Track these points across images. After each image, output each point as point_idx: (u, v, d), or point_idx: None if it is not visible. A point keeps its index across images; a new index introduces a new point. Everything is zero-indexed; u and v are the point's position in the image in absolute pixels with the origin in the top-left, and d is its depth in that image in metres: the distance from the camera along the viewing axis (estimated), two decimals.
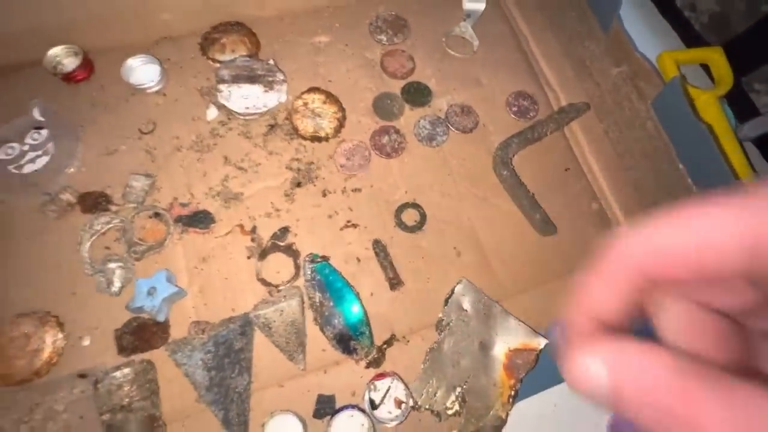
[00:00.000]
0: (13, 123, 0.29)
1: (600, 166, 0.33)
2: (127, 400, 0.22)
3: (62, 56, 0.30)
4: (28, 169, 0.28)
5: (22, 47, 0.30)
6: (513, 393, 0.26)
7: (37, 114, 0.29)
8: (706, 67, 0.36)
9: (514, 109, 0.33)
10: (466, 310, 0.28)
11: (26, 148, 0.28)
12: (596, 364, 0.08)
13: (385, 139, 0.31)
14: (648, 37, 0.37)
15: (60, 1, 0.29)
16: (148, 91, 0.31)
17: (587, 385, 0.08)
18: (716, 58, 0.36)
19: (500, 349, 0.27)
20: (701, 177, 0.28)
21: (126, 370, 0.23)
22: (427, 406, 0.26)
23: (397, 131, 0.31)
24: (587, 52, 0.35)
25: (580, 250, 0.31)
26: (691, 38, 0.37)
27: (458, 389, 0.26)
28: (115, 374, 0.23)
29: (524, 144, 0.32)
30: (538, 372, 0.27)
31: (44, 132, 0.28)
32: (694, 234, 0.08)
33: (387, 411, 0.25)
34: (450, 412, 0.26)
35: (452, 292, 0.28)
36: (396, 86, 0.33)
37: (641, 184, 0.31)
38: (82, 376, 0.24)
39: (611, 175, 0.33)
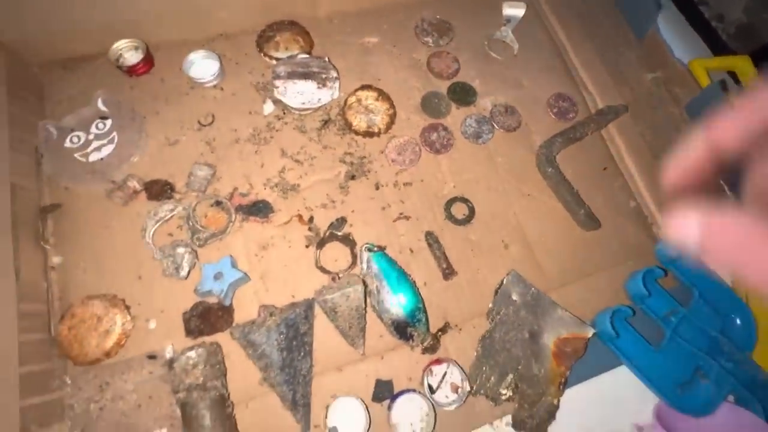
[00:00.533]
0: (79, 113, 0.29)
1: (636, 167, 0.34)
2: (201, 379, 0.23)
3: (125, 50, 0.31)
4: (93, 157, 0.29)
5: (86, 41, 0.31)
6: (563, 380, 0.27)
7: (101, 105, 0.30)
8: (732, 74, 0.38)
9: (555, 110, 0.35)
10: (516, 301, 0.29)
11: (91, 137, 0.29)
12: (691, 223, 0.11)
13: (434, 136, 0.32)
14: (677, 45, 0.39)
15: (129, 6, 0.30)
16: (207, 85, 0.32)
17: (682, 238, 0.11)
18: (744, 65, 0.37)
19: (549, 338, 0.28)
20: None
21: (200, 350, 0.24)
22: (482, 391, 0.27)
23: (445, 128, 0.33)
24: (622, 58, 0.37)
25: (620, 244, 0.32)
26: (717, 47, 0.39)
27: (510, 376, 0.27)
28: (190, 354, 0.23)
29: (567, 143, 0.33)
30: (587, 360, 0.28)
31: (109, 122, 0.29)
32: None
33: (444, 395, 0.26)
34: (504, 397, 0.27)
35: (502, 283, 0.29)
36: (442, 86, 0.34)
37: None
38: (152, 357, 0.25)
39: (647, 175, 0.34)
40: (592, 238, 0.32)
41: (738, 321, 0.29)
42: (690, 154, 0.13)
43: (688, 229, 0.12)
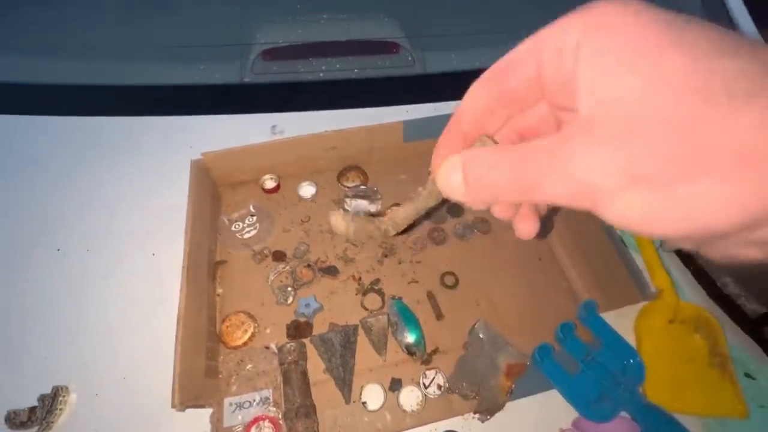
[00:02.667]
0: (240, 212, 0.54)
1: (567, 258, 0.52)
2: (296, 358, 0.42)
3: (266, 179, 0.57)
4: (246, 235, 0.52)
5: (246, 174, 0.57)
6: (510, 390, 0.43)
7: (252, 208, 0.54)
8: None
9: None
10: (482, 338, 0.46)
11: (245, 225, 0.53)
12: (455, 169, 0.15)
13: (435, 234, 0.54)
14: None
15: (270, 155, 0.56)
16: (308, 200, 0.56)
17: (450, 185, 0.15)
18: None
19: (502, 363, 0.44)
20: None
21: (294, 344, 0.43)
22: (456, 391, 0.43)
23: (443, 230, 0.54)
24: None
25: (553, 308, 0.49)
26: None
27: (475, 384, 0.43)
28: (291, 344, 0.42)
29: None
30: (532, 381, 0.43)
31: (255, 218, 0.53)
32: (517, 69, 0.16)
33: (432, 390, 0.43)
34: (471, 396, 0.43)
35: (474, 326, 0.47)
36: (443, 205, 0.56)
37: (595, 269, 0.51)
38: (267, 347, 0.44)
39: (573, 264, 0.52)
40: (537, 303, 0.49)
41: (632, 362, 0.44)
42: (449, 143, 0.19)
43: (453, 171, 0.16)
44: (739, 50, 0.12)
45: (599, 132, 0.13)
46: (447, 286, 0.50)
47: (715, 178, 0.11)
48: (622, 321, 0.47)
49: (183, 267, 0.42)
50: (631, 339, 0.46)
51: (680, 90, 0.12)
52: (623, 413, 0.42)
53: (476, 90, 0.18)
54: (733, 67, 0.11)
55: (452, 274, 0.51)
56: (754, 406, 0.43)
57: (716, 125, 0.11)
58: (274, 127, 0.63)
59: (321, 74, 0.69)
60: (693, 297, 0.49)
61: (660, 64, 0.12)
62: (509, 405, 0.42)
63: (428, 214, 0.54)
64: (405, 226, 0.24)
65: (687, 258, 0.52)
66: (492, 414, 0.42)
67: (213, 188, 0.54)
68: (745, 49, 0.12)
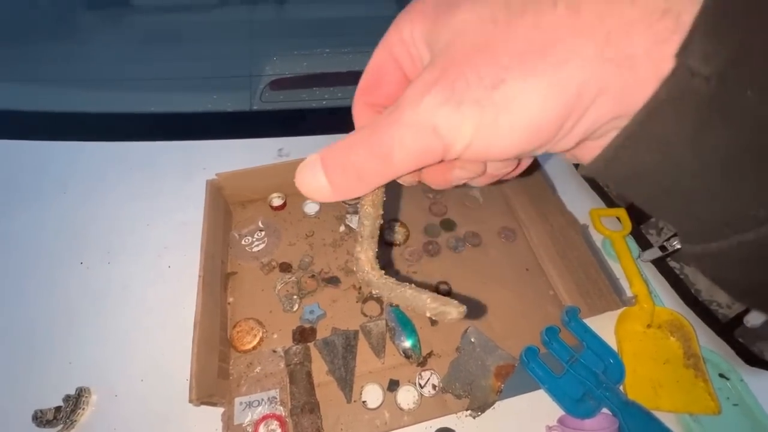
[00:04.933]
0: (249, 227, 0.58)
1: (552, 268, 0.57)
2: (301, 359, 0.45)
3: (274, 197, 0.61)
4: (255, 249, 0.56)
5: (255, 193, 0.62)
6: (499, 389, 0.46)
7: (260, 224, 0.59)
8: (618, 219, 0.62)
9: (503, 236, 0.60)
10: (474, 342, 0.50)
11: (254, 239, 0.57)
12: (314, 167, 0.16)
13: (430, 247, 0.58)
14: (585, 200, 0.64)
15: (277, 175, 0.61)
16: (312, 216, 0.61)
17: (313, 186, 0.16)
18: (623, 213, 0.62)
19: (492, 365, 0.48)
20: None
21: (300, 347, 0.46)
22: (450, 391, 0.46)
23: (437, 243, 0.58)
24: (545, 207, 0.63)
25: (541, 314, 0.52)
26: (609, 202, 0.64)
27: (467, 384, 0.47)
28: (296, 347, 0.46)
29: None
30: (520, 381, 0.47)
31: (263, 233, 0.58)
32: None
33: (428, 390, 0.46)
34: (463, 396, 0.46)
35: (466, 331, 0.50)
36: (437, 221, 0.61)
37: (578, 278, 0.55)
38: (274, 351, 0.48)
39: (558, 273, 0.56)
40: (524, 310, 0.53)
41: (612, 362, 0.48)
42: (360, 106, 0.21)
43: (315, 178, 0.17)
44: None
45: (426, 79, 0.15)
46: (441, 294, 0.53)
47: (518, 80, 0.14)
48: (603, 325, 0.50)
49: (199, 276, 0.47)
50: (612, 342, 0.50)
51: (474, 23, 0.14)
52: (605, 410, 0.45)
53: (358, 111, 0.21)
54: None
55: (446, 283, 0.55)
56: (728, 404, 0.46)
57: (504, 37, 0.14)
58: (280, 150, 0.68)
59: (324, 102, 0.75)
60: (669, 303, 0.53)
61: (458, 15, 0.15)
62: (499, 403, 0.46)
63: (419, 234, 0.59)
64: (368, 268, 0.23)
65: (663, 267, 0.57)
66: (483, 411, 0.45)
67: (225, 206, 0.59)
68: None
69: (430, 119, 0.15)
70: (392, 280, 0.22)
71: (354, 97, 0.20)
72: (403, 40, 0.17)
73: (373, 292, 0.21)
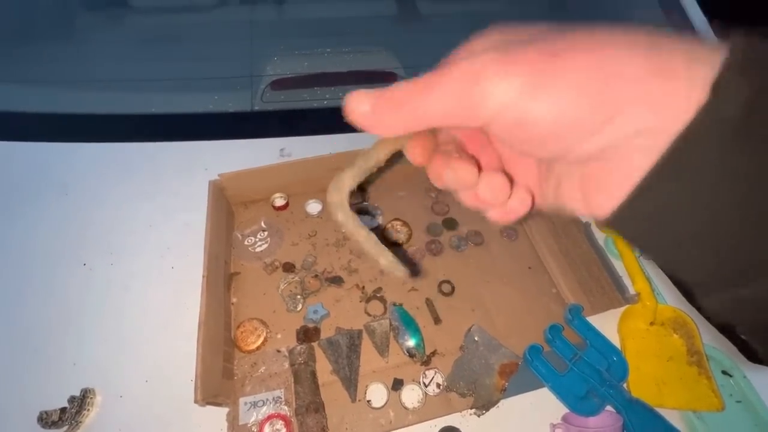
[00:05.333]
0: (252, 228, 0.59)
1: (555, 267, 0.57)
2: (305, 359, 0.45)
3: (276, 198, 0.61)
4: (258, 249, 0.56)
5: (257, 194, 0.62)
6: (504, 387, 0.46)
7: (263, 224, 0.59)
8: None
9: (505, 234, 0.60)
10: (477, 341, 0.50)
11: (257, 239, 0.57)
12: (363, 102, 0.18)
13: (432, 246, 0.58)
14: None
15: (280, 175, 0.61)
16: (315, 216, 0.61)
17: (359, 114, 0.18)
18: None
19: (496, 363, 0.48)
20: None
21: (304, 346, 0.46)
22: (454, 390, 0.46)
23: (440, 242, 0.58)
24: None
25: (545, 312, 0.53)
26: None
27: (472, 383, 0.47)
28: (301, 347, 0.46)
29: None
30: (524, 380, 0.47)
31: (266, 233, 0.58)
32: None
33: (432, 389, 0.46)
34: (467, 394, 0.46)
35: (469, 330, 0.51)
36: (439, 219, 0.61)
37: (581, 276, 0.55)
38: (279, 351, 0.48)
39: (562, 272, 0.56)
40: (527, 308, 0.53)
41: (615, 360, 0.48)
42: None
43: (360, 104, 0.18)
44: (537, 30, 0.18)
45: (497, 51, 0.17)
46: (444, 294, 0.54)
47: (569, 57, 0.16)
48: (606, 323, 0.51)
49: (203, 277, 0.47)
50: (615, 340, 0.50)
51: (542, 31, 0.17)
52: (609, 407, 0.45)
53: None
54: (535, 31, 0.18)
55: (449, 282, 0.55)
56: (732, 401, 0.46)
57: (565, 42, 0.16)
58: (282, 150, 0.68)
59: (325, 102, 0.75)
60: (671, 300, 0.53)
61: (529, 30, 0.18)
62: (503, 402, 0.46)
63: (428, 230, 0.59)
64: (346, 190, 0.23)
65: None
66: (487, 410, 0.45)
67: (228, 206, 0.59)
68: (538, 28, 0.18)
69: (479, 68, 0.16)
70: (356, 219, 0.23)
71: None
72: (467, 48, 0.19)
73: (338, 219, 0.23)
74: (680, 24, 0.92)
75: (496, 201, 0.21)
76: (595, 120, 0.16)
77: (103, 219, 0.60)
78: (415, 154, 0.22)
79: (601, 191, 0.18)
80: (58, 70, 0.79)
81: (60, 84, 0.77)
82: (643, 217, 0.17)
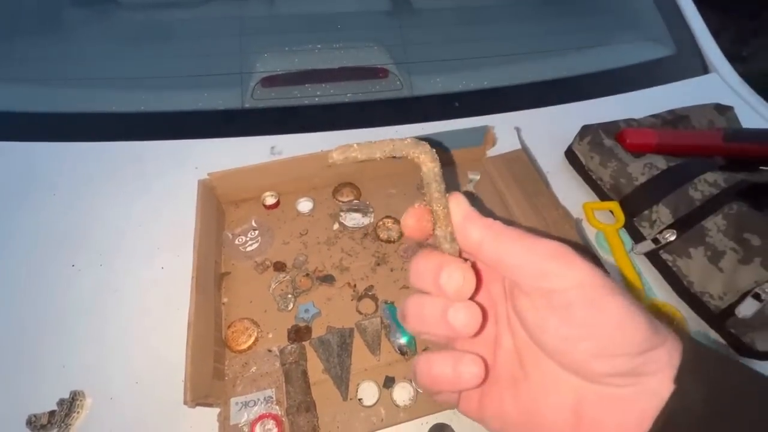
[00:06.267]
0: (242, 227, 0.58)
1: None
2: (296, 358, 0.45)
3: (267, 196, 0.61)
4: (249, 248, 0.56)
5: (248, 192, 0.61)
6: None
7: (254, 223, 0.58)
8: (611, 212, 0.62)
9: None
10: None
11: (248, 239, 0.57)
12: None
13: (423, 244, 0.58)
14: (577, 193, 0.65)
15: (270, 174, 0.61)
16: (306, 214, 0.60)
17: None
18: (616, 207, 0.62)
19: None
20: None
21: (295, 345, 0.46)
22: None
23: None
24: (539, 200, 0.63)
25: None
26: (602, 195, 0.64)
27: None
28: (292, 346, 0.46)
29: None
30: None
31: (257, 232, 0.58)
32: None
33: None
34: None
35: None
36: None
37: None
38: (270, 350, 0.48)
39: None
40: None
41: None
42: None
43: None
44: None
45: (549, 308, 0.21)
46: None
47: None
48: None
49: (192, 277, 0.46)
50: None
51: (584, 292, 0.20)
52: None
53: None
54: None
55: None
56: None
57: (604, 311, 0.20)
58: (273, 148, 0.68)
59: (316, 99, 0.75)
60: (661, 294, 0.54)
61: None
62: None
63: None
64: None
65: (656, 259, 0.57)
66: None
67: (218, 205, 0.59)
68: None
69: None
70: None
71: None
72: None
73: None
74: (671, 10, 0.92)
75: (461, 330, 0.22)
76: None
77: (91, 220, 0.60)
78: (407, 223, 0.26)
79: None
80: (43, 68, 0.78)
81: (46, 82, 0.76)
82: None
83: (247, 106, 0.73)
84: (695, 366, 0.20)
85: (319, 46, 0.79)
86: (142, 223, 0.59)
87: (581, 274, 0.20)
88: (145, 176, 0.64)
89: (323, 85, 0.75)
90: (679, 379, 0.19)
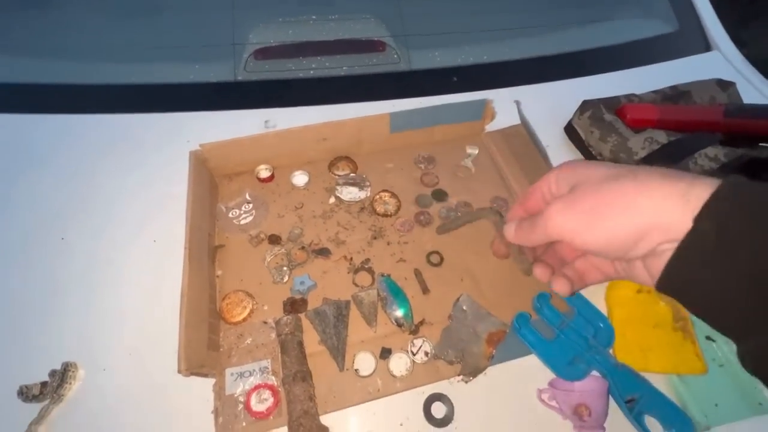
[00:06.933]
0: (236, 200, 0.57)
1: None
2: (292, 329, 0.45)
3: (261, 170, 0.60)
4: (243, 221, 0.55)
5: (242, 165, 0.60)
6: (491, 355, 0.46)
7: (248, 196, 0.57)
8: None
9: (494, 205, 0.59)
10: (466, 310, 0.50)
11: (242, 212, 0.56)
12: (510, 228, 0.40)
13: (421, 217, 0.57)
14: None
15: (264, 146, 0.59)
16: (301, 188, 0.59)
17: (510, 235, 0.40)
18: None
19: (484, 332, 0.48)
20: None
21: (291, 317, 0.46)
22: (442, 357, 0.46)
23: (429, 214, 0.58)
24: (537, 176, 0.62)
25: (533, 283, 0.52)
26: None
27: (459, 351, 0.47)
28: (287, 317, 0.45)
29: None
30: (511, 347, 0.47)
31: (251, 205, 0.56)
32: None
33: (420, 357, 0.46)
34: (455, 361, 0.46)
35: (458, 299, 0.50)
36: (428, 191, 0.60)
37: None
38: (265, 322, 0.47)
39: None
40: (516, 277, 0.53)
41: (602, 326, 0.48)
42: (518, 209, 0.42)
43: (510, 229, 0.40)
44: (622, 167, 0.31)
45: (558, 202, 0.33)
46: (433, 264, 0.53)
47: (607, 215, 0.29)
48: (594, 292, 0.51)
49: (185, 248, 0.45)
50: (602, 308, 0.50)
51: (596, 178, 0.31)
52: (594, 372, 0.45)
53: (515, 208, 0.43)
54: (618, 168, 0.31)
55: (437, 252, 0.54)
56: (714, 365, 0.47)
57: (610, 194, 0.29)
58: (267, 122, 0.66)
59: (311, 72, 0.73)
60: None
61: (587, 173, 0.32)
62: (491, 369, 0.46)
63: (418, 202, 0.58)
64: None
65: None
66: (475, 376, 0.45)
67: (210, 178, 0.57)
68: (625, 167, 0.31)
69: (551, 214, 0.33)
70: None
71: (517, 201, 0.43)
72: (548, 180, 0.37)
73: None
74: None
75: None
76: (629, 244, 0.29)
77: (82, 192, 0.58)
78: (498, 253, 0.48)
79: (652, 272, 0.30)
80: (32, 39, 0.75)
81: (35, 53, 0.73)
82: (675, 286, 0.29)
83: (240, 78, 0.71)
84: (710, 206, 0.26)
85: (314, 17, 0.77)
86: (133, 196, 0.58)
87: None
88: (136, 149, 0.63)
89: (318, 57, 0.73)
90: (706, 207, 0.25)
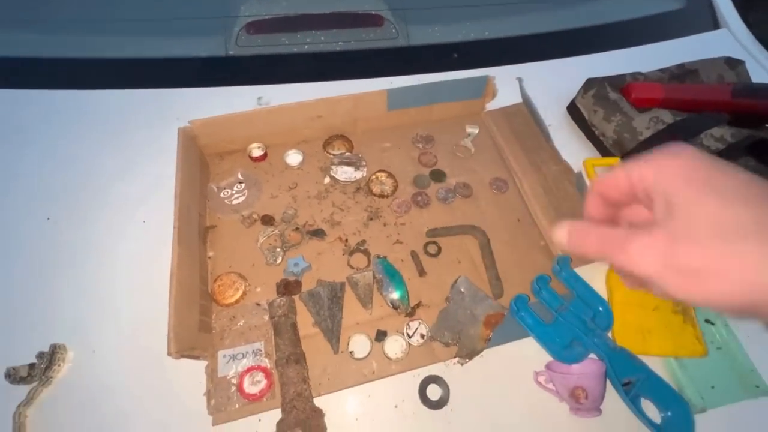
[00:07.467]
0: (228, 180, 0.55)
1: (544, 219, 0.55)
2: (286, 311, 0.44)
3: (254, 148, 0.58)
4: (235, 202, 0.53)
5: (233, 144, 0.58)
6: (488, 337, 0.46)
7: (240, 176, 0.55)
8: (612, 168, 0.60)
9: (494, 187, 0.58)
10: (463, 292, 0.49)
11: (234, 192, 0.54)
12: (562, 231, 0.26)
13: (419, 198, 0.56)
14: (578, 149, 0.62)
15: (257, 123, 0.57)
16: (295, 167, 0.57)
17: (559, 238, 0.26)
18: (617, 163, 0.60)
19: (481, 314, 0.47)
20: None
21: (284, 299, 0.45)
22: (438, 339, 0.45)
23: (426, 195, 0.56)
24: (538, 155, 0.60)
25: (531, 264, 0.51)
26: (603, 151, 0.62)
27: (456, 333, 0.46)
28: (281, 299, 0.44)
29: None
30: (508, 330, 0.46)
31: (243, 185, 0.55)
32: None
33: (416, 339, 0.45)
34: (451, 344, 0.45)
35: (456, 281, 0.49)
36: (426, 171, 0.58)
37: None
38: (258, 304, 0.46)
39: (549, 224, 0.55)
40: (515, 260, 0.52)
41: (601, 309, 0.47)
42: (593, 198, 0.28)
43: (561, 232, 0.26)
44: (754, 197, 0.20)
45: (657, 239, 0.21)
46: (430, 255, 0.52)
47: (711, 278, 0.20)
48: (594, 275, 0.50)
49: (174, 227, 0.44)
50: (603, 292, 0.49)
51: (706, 220, 0.20)
52: (592, 355, 0.45)
53: (592, 197, 0.29)
54: (746, 213, 0.20)
55: (434, 243, 0.53)
56: (713, 348, 0.47)
57: (723, 261, 0.20)
58: (260, 98, 0.64)
59: (306, 47, 0.70)
60: None
61: (698, 207, 0.21)
62: (487, 351, 0.45)
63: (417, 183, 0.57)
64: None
65: None
66: (471, 359, 0.44)
67: (201, 157, 0.55)
68: (759, 197, 0.20)
69: (642, 267, 0.22)
70: None
71: (593, 187, 0.28)
72: (644, 172, 0.24)
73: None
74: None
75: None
76: (745, 315, 0.21)
77: (68, 171, 0.56)
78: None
79: None
80: (17, 11, 0.72)
81: (19, 26, 0.70)
82: None
83: (231, 53, 0.68)
84: None
85: None
86: (122, 175, 0.56)
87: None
88: (124, 127, 0.60)
89: (313, 31, 0.70)
90: None
